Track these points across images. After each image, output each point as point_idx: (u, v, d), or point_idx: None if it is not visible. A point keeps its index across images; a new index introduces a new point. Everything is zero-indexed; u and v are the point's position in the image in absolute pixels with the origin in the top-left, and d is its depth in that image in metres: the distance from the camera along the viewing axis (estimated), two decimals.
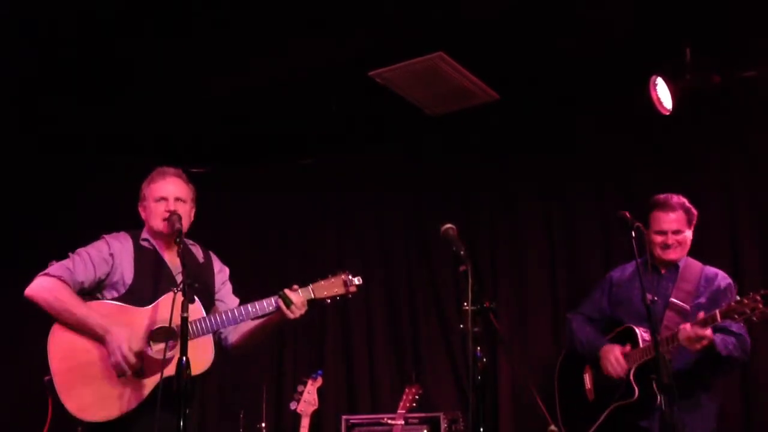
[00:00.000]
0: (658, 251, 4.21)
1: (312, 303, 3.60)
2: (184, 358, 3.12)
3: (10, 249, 5.57)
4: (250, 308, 3.57)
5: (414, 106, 5.64)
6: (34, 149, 5.92)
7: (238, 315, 3.57)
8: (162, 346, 3.43)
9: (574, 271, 5.53)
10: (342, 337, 6.16)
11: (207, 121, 5.82)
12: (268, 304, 3.55)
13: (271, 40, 4.83)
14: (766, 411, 4.82)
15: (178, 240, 3.42)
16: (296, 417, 4.63)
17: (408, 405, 4.97)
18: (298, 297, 3.54)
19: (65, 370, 3.41)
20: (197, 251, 3.80)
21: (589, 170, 5.59)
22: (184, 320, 3.17)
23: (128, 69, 5.06)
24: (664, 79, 4.74)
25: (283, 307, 3.51)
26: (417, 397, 5.00)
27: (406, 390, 5.04)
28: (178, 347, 3.27)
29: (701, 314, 3.87)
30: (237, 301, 3.80)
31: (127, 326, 3.45)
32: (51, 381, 3.40)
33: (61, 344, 3.45)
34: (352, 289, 3.66)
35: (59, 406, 3.38)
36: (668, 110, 4.76)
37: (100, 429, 3.41)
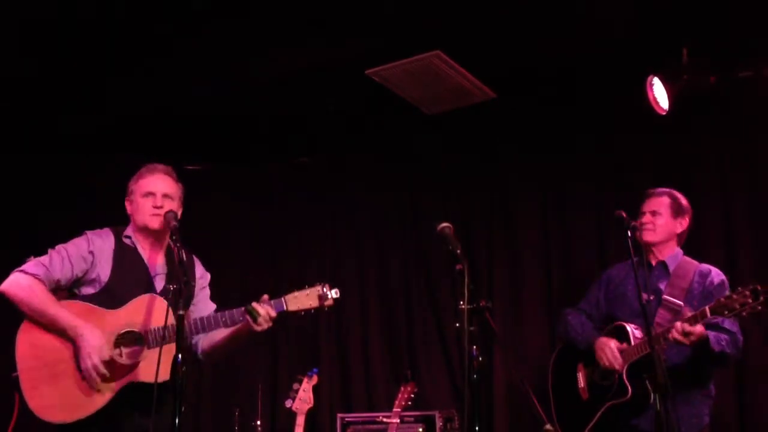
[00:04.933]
0: (637, 234, 4.11)
1: (284, 316, 3.52)
2: (180, 356, 3.09)
3: (9, 249, 5.56)
4: (219, 317, 3.53)
5: (411, 105, 5.64)
6: (35, 149, 5.91)
7: (207, 324, 3.54)
8: (128, 350, 3.43)
9: (570, 271, 5.54)
10: (337, 336, 6.16)
11: (204, 119, 5.81)
12: (239, 314, 3.49)
13: (269, 40, 4.82)
14: (761, 410, 4.83)
15: (173, 237, 3.40)
16: (291, 415, 4.63)
17: (403, 403, 4.96)
18: (265, 309, 3.46)
19: (32, 368, 3.39)
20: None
21: (585, 170, 5.59)
22: (180, 318, 3.15)
23: (127, 69, 5.06)
24: (661, 80, 4.74)
25: (250, 320, 3.45)
26: (412, 395, 5.00)
27: (402, 388, 5.03)
28: (144, 352, 3.36)
29: (689, 311, 3.88)
30: (213, 306, 3.77)
31: (98, 329, 3.42)
32: (17, 378, 3.38)
33: (29, 342, 3.43)
34: (328, 302, 3.54)
35: (25, 404, 3.36)
36: (665, 110, 4.77)
37: (69, 429, 3.38)
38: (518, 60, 5.08)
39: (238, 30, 4.73)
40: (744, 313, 3.65)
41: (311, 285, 3.56)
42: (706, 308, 3.76)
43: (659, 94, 4.77)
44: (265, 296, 3.52)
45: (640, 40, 4.75)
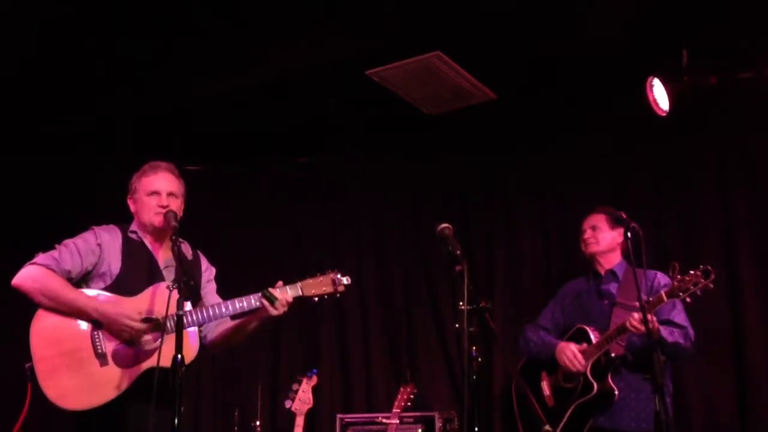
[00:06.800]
0: (582, 248, 4.63)
1: (300, 300, 3.60)
2: (179, 356, 3.10)
3: (9, 249, 5.56)
4: (237, 304, 3.57)
5: (411, 106, 5.64)
6: (34, 149, 5.91)
7: (224, 309, 3.56)
8: (147, 337, 3.44)
9: (570, 272, 5.52)
10: (337, 336, 6.16)
11: (204, 119, 5.81)
12: (255, 299, 3.55)
13: (269, 40, 4.83)
14: (761, 410, 4.82)
15: (173, 237, 3.41)
16: (291, 415, 4.64)
17: (403, 404, 4.97)
18: (282, 294, 3.53)
19: (48, 357, 3.38)
20: (186, 248, 3.77)
21: (586, 171, 5.59)
22: (180, 318, 3.16)
23: (127, 68, 5.06)
24: (661, 81, 4.74)
25: (267, 304, 3.51)
26: (412, 396, 5.00)
27: (401, 389, 5.04)
28: (164, 338, 3.30)
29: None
30: (219, 300, 3.77)
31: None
32: (32, 368, 3.37)
33: (44, 331, 3.42)
34: (341, 288, 3.65)
35: (39, 394, 3.35)
36: (665, 111, 4.77)
37: (84, 418, 3.38)
38: (518, 60, 5.07)
39: (238, 30, 4.73)
40: (699, 292, 3.92)
41: (323, 272, 3.66)
42: (662, 293, 4.01)
43: (659, 95, 4.76)
44: (280, 282, 3.59)
45: (640, 41, 4.75)
